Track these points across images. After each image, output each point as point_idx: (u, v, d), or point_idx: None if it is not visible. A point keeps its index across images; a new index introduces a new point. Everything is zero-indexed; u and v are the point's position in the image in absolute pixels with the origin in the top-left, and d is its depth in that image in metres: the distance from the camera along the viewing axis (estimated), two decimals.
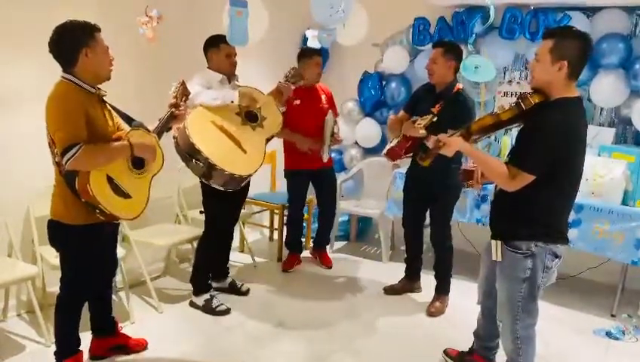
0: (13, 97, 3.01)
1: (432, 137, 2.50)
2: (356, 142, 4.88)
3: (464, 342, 2.83)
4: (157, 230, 3.63)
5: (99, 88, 2.37)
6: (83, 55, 2.25)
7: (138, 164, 2.43)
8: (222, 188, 3.00)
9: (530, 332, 2.34)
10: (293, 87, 3.43)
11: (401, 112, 3.48)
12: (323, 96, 3.99)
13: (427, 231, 3.70)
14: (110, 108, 2.47)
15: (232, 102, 3.08)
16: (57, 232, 2.38)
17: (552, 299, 3.59)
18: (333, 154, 4.51)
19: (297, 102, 3.86)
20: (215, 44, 3.25)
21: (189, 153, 2.89)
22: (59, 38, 2.25)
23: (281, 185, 4.72)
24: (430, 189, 3.40)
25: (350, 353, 2.98)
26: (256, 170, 3.06)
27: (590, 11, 3.90)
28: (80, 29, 2.26)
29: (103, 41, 2.34)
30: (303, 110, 3.88)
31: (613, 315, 3.56)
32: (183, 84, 2.66)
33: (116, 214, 2.30)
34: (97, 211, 2.26)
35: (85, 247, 2.39)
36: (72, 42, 2.25)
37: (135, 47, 3.30)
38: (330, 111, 3.93)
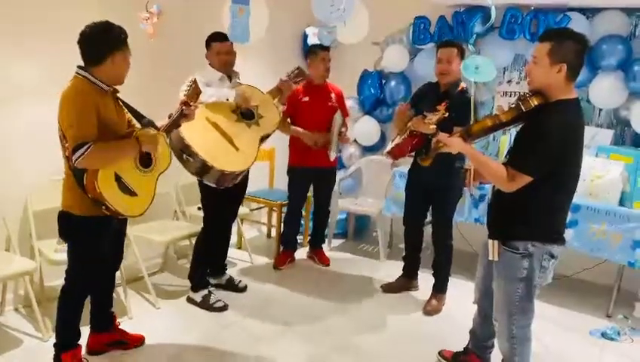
0: (12, 93, 3.00)
1: (440, 134, 2.50)
2: (355, 141, 4.87)
3: (460, 340, 2.84)
4: (155, 226, 3.63)
5: (112, 86, 2.39)
6: (112, 58, 2.29)
7: (145, 162, 2.45)
8: (215, 186, 3.00)
9: (526, 332, 2.35)
10: (294, 86, 3.42)
11: (408, 103, 3.46)
12: (332, 95, 3.96)
13: (426, 230, 3.71)
14: (122, 105, 2.49)
15: (227, 100, 3.06)
16: (66, 223, 2.41)
17: (549, 299, 3.60)
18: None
19: (305, 99, 3.85)
20: (207, 44, 3.26)
21: (181, 148, 2.89)
22: (95, 34, 2.28)
23: (280, 182, 4.73)
24: (432, 188, 3.41)
25: (347, 350, 2.99)
26: (247, 168, 3.06)
27: (590, 12, 3.91)
28: (118, 33, 2.31)
29: (130, 49, 2.39)
30: (311, 107, 3.87)
31: (609, 316, 3.58)
32: (195, 82, 2.66)
33: (121, 211, 2.33)
34: (103, 207, 2.30)
35: (94, 239, 2.42)
36: (107, 43, 2.29)
37: (135, 42, 3.28)
38: (338, 110, 3.90)
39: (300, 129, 3.86)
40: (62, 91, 2.26)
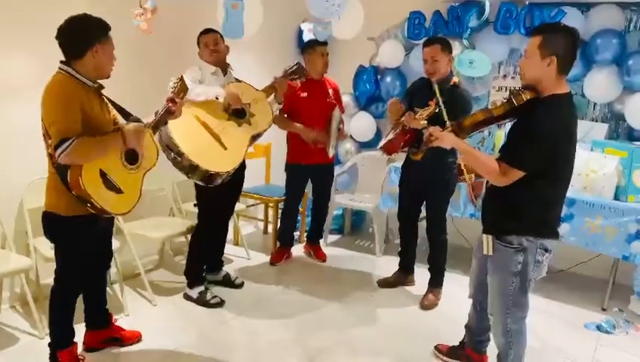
0: (7, 89, 2.99)
1: (431, 128, 2.49)
2: (351, 136, 4.88)
3: (456, 334, 2.85)
4: (151, 223, 3.63)
5: (96, 81, 2.36)
6: (93, 51, 2.25)
7: (132, 159, 2.42)
8: (202, 184, 2.99)
9: (520, 326, 2.37)
10: (292, 83, 3.41)
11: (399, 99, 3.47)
12: (330, 91, 3.94)
13: (421, 225, 3.72)
14: (107, 102, 2.46)
15: (217, 98, 3.04)
16: (51, 224, 2.38)
17: (544, 293, 3.62)
18: None
19: (304, 94, 3.83)
20: (198, 39, 3.25)
21: (169, 146, 2.88)
22: (72, 28, 2.23)
23: (276, 178, 4.73)
24: (425, 183, 3.41)
25: (344, 345, 3.00)
26: (234, 168, 3.03)
27: (585, 7, 3.92)
28: (96, 24, 2.27)
29: (112, 41, 2.35)
30: (310, 103, 3.84)
31: (604, 309, 3.59)
32: (182, 79, 2.64)
33: (107, 209, 2.29)
34: (88, 205, 2.25)
35: (79, 239, 2.39)
36: (85, 36, 2.24)
37: (129, 38, 3.27)
38: (336, 106, 3.90)
39: (299, 125, 3.84)
40: (44, 87, 2.22)
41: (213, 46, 3.21)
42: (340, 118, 3.88)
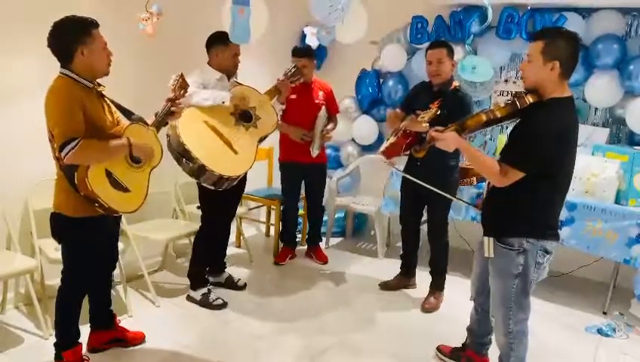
0: (14, 90, 3.02)
1: (434, 128, 2.51)
2: (353, 140, 4.90)
3: (458, 337, 2.87)
4: (154, 224, 3.66)
5: (97, 83, 2.38)
6: (79, 53, 2.26)
7: (137, 157, 2.44)
8: (212, 188, 3.01)
9: (522, 327, 2.38)
10: (292, 85, 3.45)
11: (398, 110, 3.50)
12: (320, 93, 4.00)
13: (423, 228, 3.73)
14: (109, 103, 2.49)
15: (224, 103, 3.06)
16: (59, 224, 2.40)
17: (545, 296, 3.63)
18: (328, 151, 4.55)
19: (293, 96, 3.90)
20: (223, 42, 3.18)
21: (180, 152, 2.90)
22: (55, 34, 2.26)
23: (278, 181, 4.73)
24: (426, 188, 3.42)
25: (345, 348, 3.01)
26: (245, 172, 3.07)
27: (586, 12, 3.94)
28: (76, 26, 2.26)
29: (102, 36, 2.34)
30: (298, 105, 3.92)
31: (604, 313, 3.60)
32: (182, 77, 2.67)
33: (115, 208, 2.33)
34: (96, 205, 2.29)
35: (87, 240, 2.42)
36: (68, 40, 2.25)
37: (135, 43, 3.31)
38: (323, 107, 3.95)
39: (288, 126, 3.93)
40: (47, 91, 2.25)
41: (238, 56, 3.27)
42: (325, 120, 3.94)
